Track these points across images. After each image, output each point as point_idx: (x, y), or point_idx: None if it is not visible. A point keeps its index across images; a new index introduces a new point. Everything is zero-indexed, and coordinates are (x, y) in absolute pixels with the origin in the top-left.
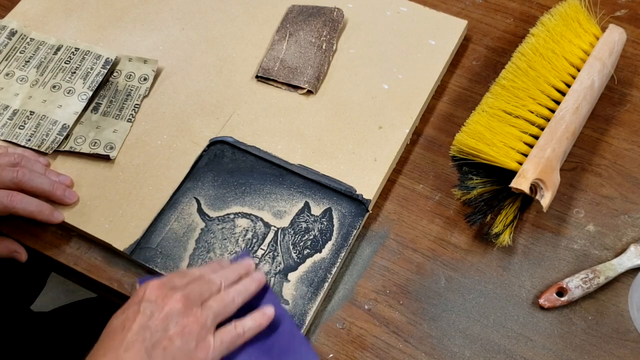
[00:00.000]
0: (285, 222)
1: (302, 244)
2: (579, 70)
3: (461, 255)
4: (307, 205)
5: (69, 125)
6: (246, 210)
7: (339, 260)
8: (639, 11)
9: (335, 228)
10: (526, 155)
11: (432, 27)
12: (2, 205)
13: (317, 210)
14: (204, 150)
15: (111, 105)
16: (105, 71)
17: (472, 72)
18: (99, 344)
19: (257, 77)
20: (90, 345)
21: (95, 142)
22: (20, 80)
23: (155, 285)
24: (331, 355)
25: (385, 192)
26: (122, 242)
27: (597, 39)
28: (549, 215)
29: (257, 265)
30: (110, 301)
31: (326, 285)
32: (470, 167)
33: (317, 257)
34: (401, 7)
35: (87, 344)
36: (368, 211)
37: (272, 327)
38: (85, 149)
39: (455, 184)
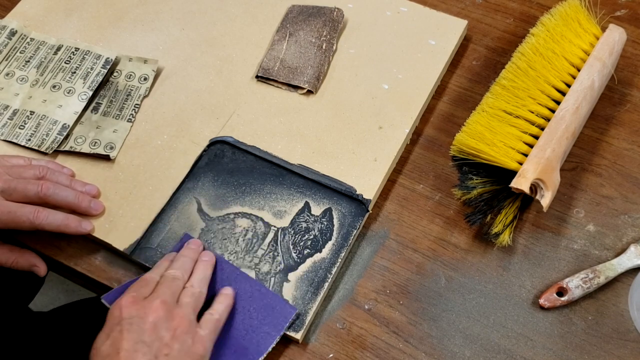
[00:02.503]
0: (285, 222)
1: (302, 243)
2: (579, 70)
3: (461, 255)
4: (307, 205)
5: (69, 125)
6: (246, 210)
7: (339, 260)
8: (639, 11)
9: (335, 228)
10: (526, 155)
11: (432, 27)
12: (29, 221)
13: (317, 210)
14: (204, 150)
15: (111, 105)
16: (105, 71)
17: (472, 72)
18: None
19: (257, 77)
20: (90, 345)
21: (95, 142)
22: (20, 80)
23: (129, 301)
24: (331, 355)
25: (385, 192)
26: (122, 242)
27: (597, 39)
28: (549, 215)
29: (257, 265)
30: None
31: (326, 285)
32: (470, 167)
33: (317, 257)
34: (401, 7)
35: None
36: (368, 211)
37: (237, 295)
38: (85, 148)
39: (455, 184)
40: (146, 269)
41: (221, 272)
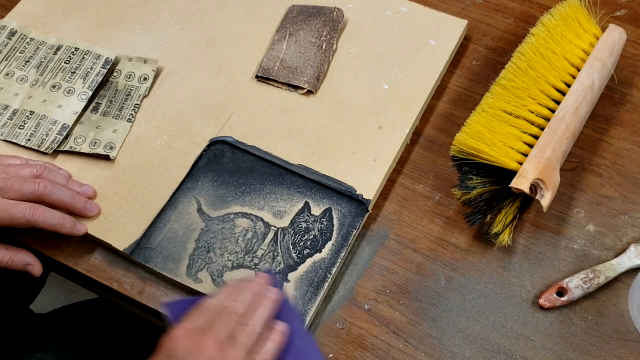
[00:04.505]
0: (285, 222)
1: (302, 243)
2: (579, 70)
3: (461, 255)
4: (307, 205)
5: (68, 125)
6: (246, 210)
7: (339, 260)
8: (639, 11)
9: (335, 228)
10: (526, 155)
11: (432, 27)
12: (25, 218)
13: (317, 210)
14: (204, 150)
15: (111, 105)
16: (105, 71)
17: (472, 72)
18: None
19: (257, 77)
20: (90, 346)
21: (95, 142)
22: (20, 80)
23: (183, 334)
24: (331, 355)
25: (385, 192)
26: (122, 242)
27: (597, 38)
28: (549, 215)
29: (256, 265)
30: (110, 302)
31: (326, 285)
32: (470, 167)
33: (317, 257)
34: (401, 7)
35: (86, 344)
36: (368, 211)
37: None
38: (85, 148)
39: (455, 184)
40: (146, 269)
41: (285, 316)
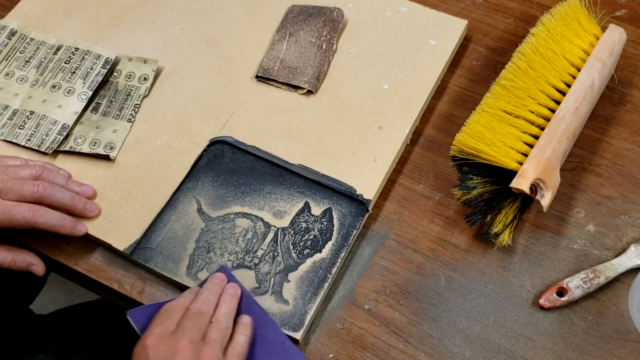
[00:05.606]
0: (285, 222)
1: (302, 244)
2: (579, 70)
3: (461, 255)
4: (307, 205)
5: (68, 125)
6: (246, 210)
7: (339, 260)
8: (639, 11)
9: (335, 228)
10: (526, 155)
11: (432, 27)
12: (25, 219)
13: (317, 210)
14: (204, 150)
15: (111, 105)
16: (105, 71)
17: (472, 72)
18: None
19: (257, 77)
20: (91, 348)
21: (95, 142)
22: (20, 80)
23: (156, 340)
24: (331, 355)
25: (385, 192)
26: (122, 242)
27: (597, 39)
28: (549, 215)
29: (256, 265)
30: (111, 304)
31: (326, 285)
32: (471, 167)
33: (317, 257)
34: (401, 7)
35: (87, 346)
36: (368, 211)
37: (257, 340)
38: (85, 149)
39: (455, 184)
40: (146, 269)
41: (245, 308)
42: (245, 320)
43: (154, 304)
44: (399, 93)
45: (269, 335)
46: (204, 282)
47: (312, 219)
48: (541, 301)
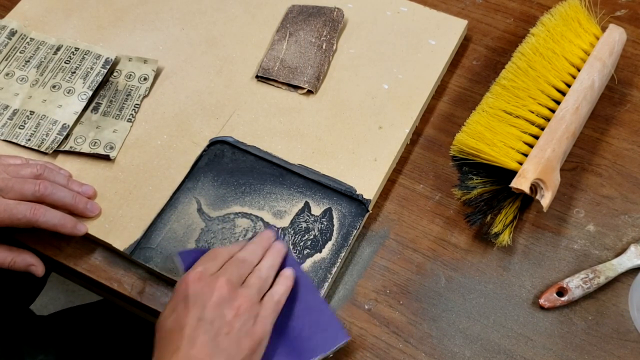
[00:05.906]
0: (285, 222)
1: (302, 244)
2: (579, 70)
3: (461, 255)
4: (307, 205)
5: (69, 125)
6: (246, 210)
7: (339, 260)
8: (639, 11)
9: (335, 228)
10: (526, 155)
11: (432, 27)
12: (26, 218)
13: (317, 210)
14: (204, 150)
15: (111, 105)
16: (105, 71)
17: (472, 72)
18: (160, 348)
19: (257, 77)
20: (91, 349)
21: (95, 142)
22: (20, 80)
23: (196, 277)
24: (331, 355)
25: (385, 192)
26: (122, 242)
27: (597, 38)
28: (549, 215)
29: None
30: (112, 305)
31: (326, 285)
32: (471, 167)
33: (317, 257)
34: (401, 7)
35: (88, 347)
36: (368, 211)
37: (296, 300)
38: (85, 148)
39: (455, 184)
40: (146, 269)
41: (285, 263)
42: (288, 272)
43: (202, 248)
44: (399, 93)
45: (309, 296)
46: (252, 237)
47: (312, 219)
48: (541, 301)
